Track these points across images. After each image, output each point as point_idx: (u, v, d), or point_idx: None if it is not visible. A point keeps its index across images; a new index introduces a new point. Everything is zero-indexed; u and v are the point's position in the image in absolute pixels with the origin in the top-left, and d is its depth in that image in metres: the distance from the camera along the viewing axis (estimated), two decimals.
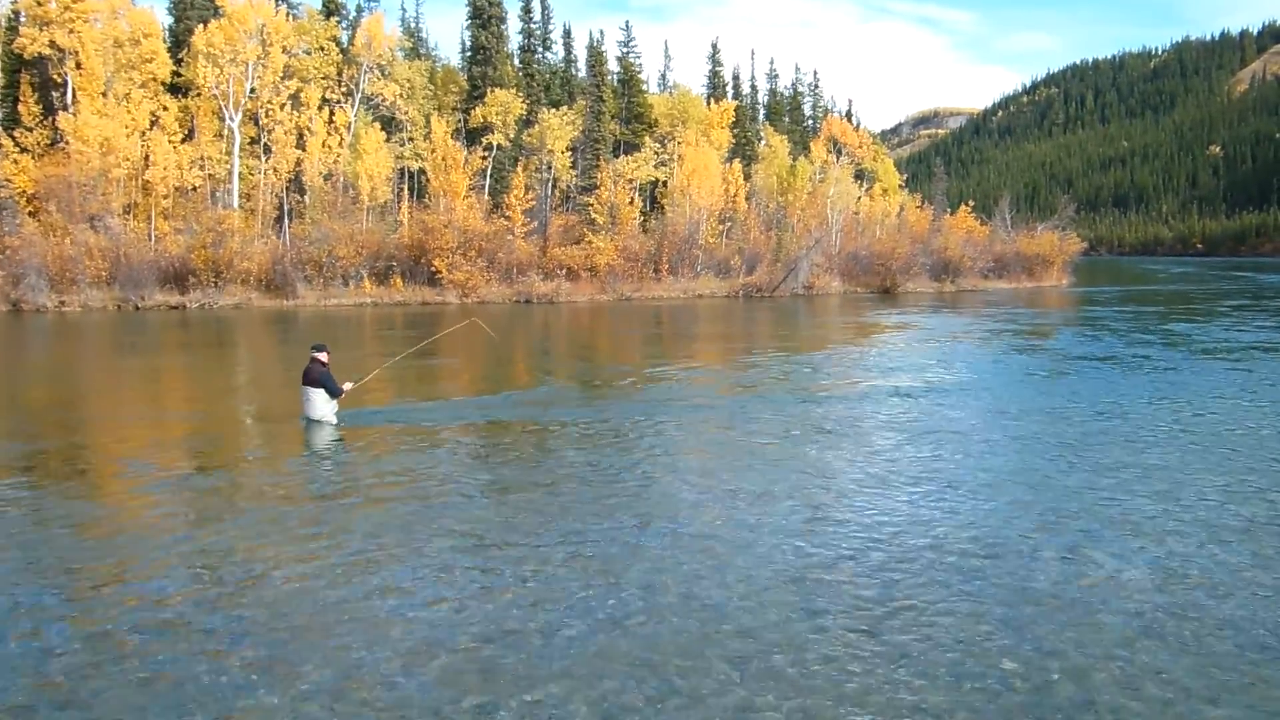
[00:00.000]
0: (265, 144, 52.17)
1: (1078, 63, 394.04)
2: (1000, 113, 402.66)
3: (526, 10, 64.30)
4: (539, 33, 66.08)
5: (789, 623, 7.34)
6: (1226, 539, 9.44)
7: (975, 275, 70.52)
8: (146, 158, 48.33)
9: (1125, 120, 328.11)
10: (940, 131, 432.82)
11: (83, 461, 13.72)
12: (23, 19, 49.16)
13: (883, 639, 7.02)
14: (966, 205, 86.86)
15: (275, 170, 52.09)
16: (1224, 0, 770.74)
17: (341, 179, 53.05)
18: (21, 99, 48.01)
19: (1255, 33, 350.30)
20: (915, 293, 62.71)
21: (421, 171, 57.13)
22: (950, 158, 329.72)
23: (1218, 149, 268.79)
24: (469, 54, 61.93)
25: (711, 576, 8.38)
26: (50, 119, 47.88)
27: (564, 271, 53.02)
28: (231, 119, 50.50)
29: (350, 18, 60.68)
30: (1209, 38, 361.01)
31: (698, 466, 12.87)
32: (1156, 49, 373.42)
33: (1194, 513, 10.34)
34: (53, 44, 47.17)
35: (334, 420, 15.20)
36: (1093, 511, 10.38)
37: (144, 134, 48.33)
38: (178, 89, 51.65)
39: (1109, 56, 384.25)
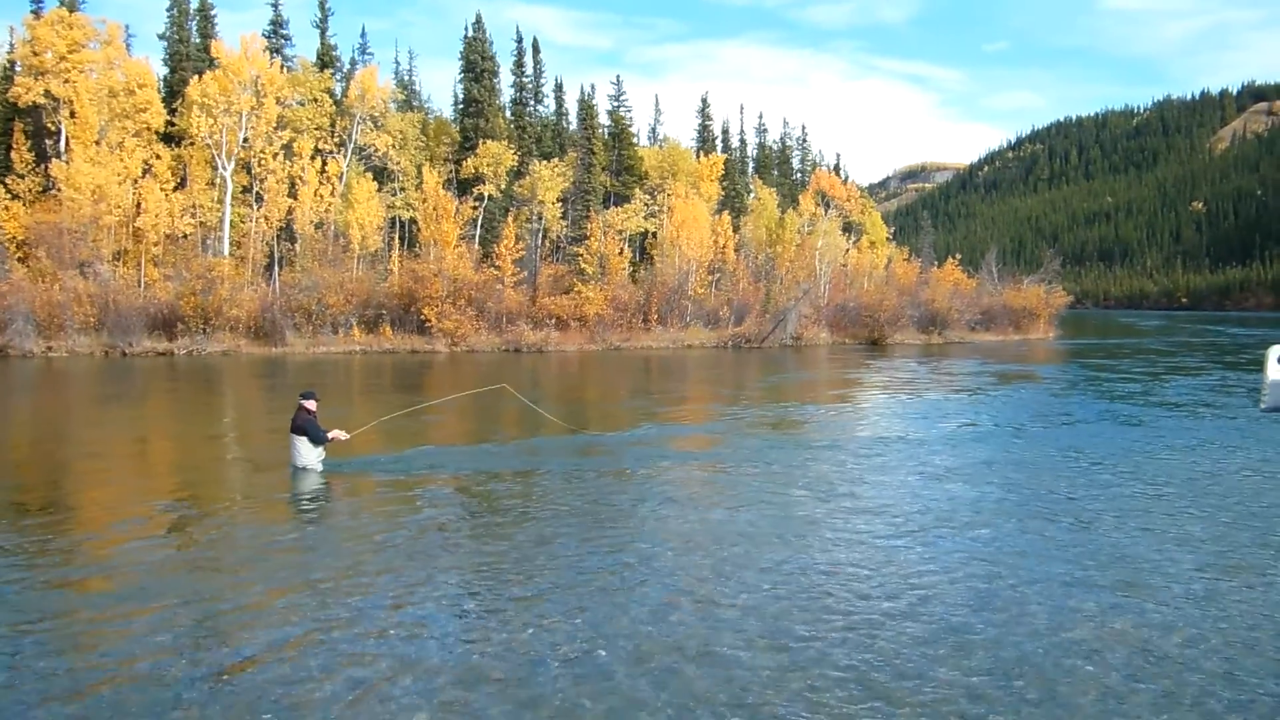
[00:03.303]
0: (257, 192, 52.49)
1: (1062, 120, 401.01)
2: (986, 168, 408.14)
3: (519, 64, 65.20)
4: (531, 86, 66.93)
5: (779, 673, 7.30)
6: (1219, 587, 9.46)
7: (962, 327, 71.00)
8: (138, 205, 48.54)
9: (1109, 176, 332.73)
10: (927, 186, 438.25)
11: (66, 510, 13.61)
12: (18, 68, 49.61)
13: (875, 688, 6.99)
14: (953, 258, 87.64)
15: (267, 218, 52.34)
16: (1204, 61, 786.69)
17: (332, 228, 53.31)
18: (14, 146, 48.33)
19: (1235, 92, 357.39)
20: (903, 344, 63.02)
21: (413, 221, 57.47)
22: (937, 211, 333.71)
23: (1200, 205, 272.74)
24: (461, 106, 62.60)
25: (700, 627, 8.33)
26: (43, 166, 48.17)
27: (553, 321, 53.15)
28: (224, 168, 50.84)
29: (344, 70, 61.42)
30: (1190, 97, 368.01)
31: (687, 516, 12.82)
32: (1139, 107, 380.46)
33: (1187, 560, 10.36)
34: (48, 93, 47.59)
35: (319, 468, 15.13)
36: (1080, 562, 10.39)
37: (136, 182, 48.60)
38: (171, 138, 52.02)
39: (1092, 114, 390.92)
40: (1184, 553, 10.83)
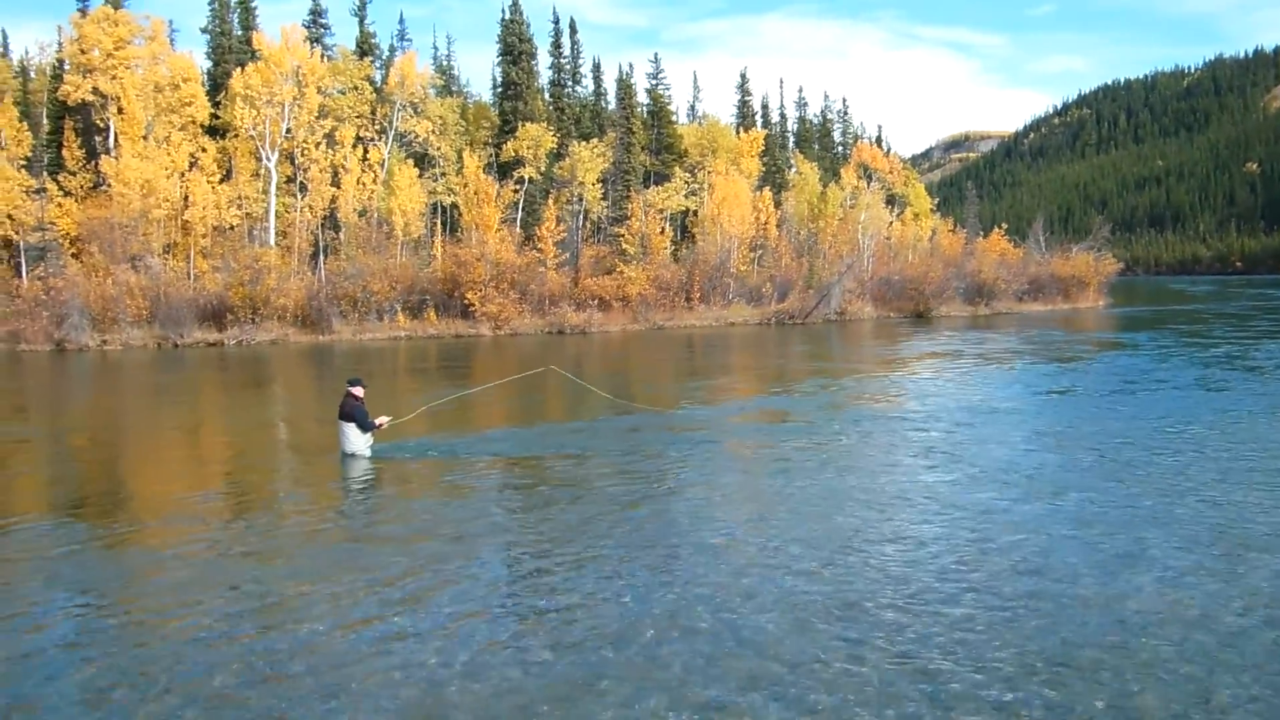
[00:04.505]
0: (301, 182, 53.03)
1: (1109, 83, 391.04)
2: (1032, 135, 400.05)
3: (556, 45, 65.10)
4: (569, 67, 66.79)
5: (827, 653, 7.31)
6: (1268, 560, 9.31)
7: (1010, 298, 69.94)
8: (186, 198, 49.27)
9: (1159, 139, 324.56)
10: (971, 155, 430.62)
11: (124, 498, 13.95)
12: (67, 67, 50.53)
13: (922, 669, 6.97)
14: (999, 228, 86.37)
15: (311, 208, 52.88)
16: (1260, 18, 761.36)
17: (375, 215, 53.73)
18: (65, 144, 49.31)
19: None
20: (949, 316, 62.29)
21: (454, 206, 57.77)
22: (982, 181, 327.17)
23: (1255, 166, 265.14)
24: (500, 89, 62.72)
25: (747, 609, 8.35)
26: (93, 163, 49.06)
27: (596, 302, 53.22)
28: (268, 158, 51.42)
29: (383, 57, 61.75)
30: (1242, 55, 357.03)
31: (734, 497, 12.84)
32: (1189, 68, 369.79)
33: (1237, 534, 10.20)
34: (96, 90, 48.42)
35: (368, 454, 15.34)
36: (1130, 536, 10.26)
37: (183, 175, 49.31)
38: (216, 130, 52.72)
39: (1141, 76, 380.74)
40: None
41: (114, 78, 48.42)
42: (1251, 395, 21.56)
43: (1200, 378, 25.14)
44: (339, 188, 52.86)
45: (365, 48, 59.39)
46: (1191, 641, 7.38)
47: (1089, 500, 11.88)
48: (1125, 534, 10.33)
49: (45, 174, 48.70)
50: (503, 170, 58.17)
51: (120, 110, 48.43)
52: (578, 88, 68.88)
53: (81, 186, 49.00)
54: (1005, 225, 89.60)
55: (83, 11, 50.13)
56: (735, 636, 7.63)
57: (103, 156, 48.44)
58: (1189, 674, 6.81)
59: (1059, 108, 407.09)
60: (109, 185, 47.25)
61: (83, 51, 48.68)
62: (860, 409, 21.35)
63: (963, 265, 70.98)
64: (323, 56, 55.01)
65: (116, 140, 48.76)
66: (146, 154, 47.98)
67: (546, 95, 64.71)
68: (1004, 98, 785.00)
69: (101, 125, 49.80)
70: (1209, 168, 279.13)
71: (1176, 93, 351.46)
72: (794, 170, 76.96)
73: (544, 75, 65.36)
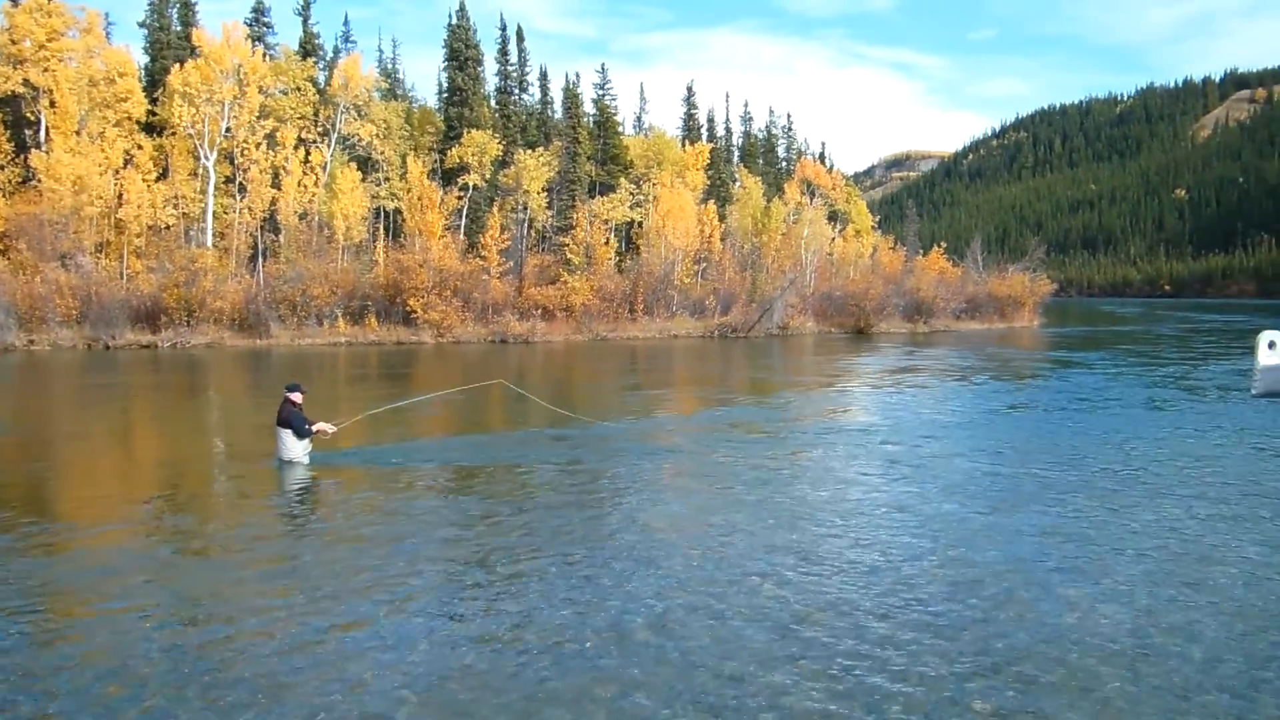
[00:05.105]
0: (240, 183, 52.13)
1: (1046, 107, 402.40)
2: (971, 156, 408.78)
3: (503, 52, 64.89)
4: (515, 75, 66.61)
5: (767, 667, 7.29)
6: (1198, 574, 9.49)
7: (948, 316, 71.11)
8: (120, 196, 48.13)
9: (1093, 164, 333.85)
10: (912, 174, 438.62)
11: (51, 503, 13.50)
12: None
13: (860, 681, 6.99)
14: (938, 247, 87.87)
15: (250, 209, 51.99)
16: (1188, 49, 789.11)
17: (317, 218, 52.99)
18: None
19: (1218, 80, 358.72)
20: (888, 333, 63.15)
21: (397, 211, 57.21)
22: (922, 200, 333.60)
23: (1183, 193, 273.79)
24: (446, 95, 62.30)
25: (689, 623, 8.31)
26: (22, 156, 47.72)
27: (539, 311, 53.06)
28: (206, 158, 50.43)
29: (327, 58, 61.01)
30: (1173, 84, 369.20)
31: (673, 509, 12.80)
32: (1122, 95, 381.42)
33: (1168, 548, 10.40)
34: (27, 82, 47.13)
35: (306, 461, 15.04)
36: (1064, 551, 10.41)
37: (118, 172, 48.17)
38: (153, 128, 51.59)
39: (1076, 102, 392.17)
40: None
41: (46, 70, 47.19)
42: (1196, 413, 22.09)
43: (1149, 397, 25.70)
44: (279, 189, 52.10)
45: (309, 48, 58.67)
46: (1124, 655, 7.49)
47: (1037, 513, 12.03)
48: (1071, 547, 10.47)
49: None
50: (447, 176, 57.76)
51: (52, 104, 47.22)
52: (524, 96, 68.79)
53: (10, 181, 47.63)
54: (944, 244, 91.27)
55: (14, 1, 48.75)
56: (676, 650, 7.58)
57: (33, 151, 47.18)
58: (1119, 689, 6.90)
59: (997, 130, 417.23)
60: (39, 180, 46.03)
61: (14, 42, 47.30)
62: (805, 423, 21.45)
63: (902, 283, 72.04)
64: (265, 55, 54.25)
65: (48, 134, 47.53)
66: (79, 149, 46.83)
67: (492, 102, 64.45)
68: (944, 119, 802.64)
69: (32, 118, 48.46)
70: (1140, 193, 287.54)
71: (1110, 119, 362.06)
72: (738, 184, 77.49)
73: (490, 82, 65.19)
